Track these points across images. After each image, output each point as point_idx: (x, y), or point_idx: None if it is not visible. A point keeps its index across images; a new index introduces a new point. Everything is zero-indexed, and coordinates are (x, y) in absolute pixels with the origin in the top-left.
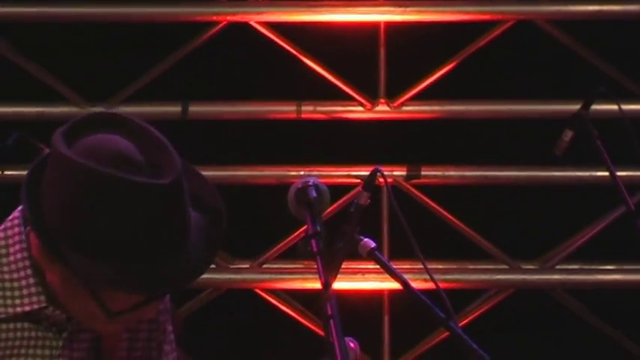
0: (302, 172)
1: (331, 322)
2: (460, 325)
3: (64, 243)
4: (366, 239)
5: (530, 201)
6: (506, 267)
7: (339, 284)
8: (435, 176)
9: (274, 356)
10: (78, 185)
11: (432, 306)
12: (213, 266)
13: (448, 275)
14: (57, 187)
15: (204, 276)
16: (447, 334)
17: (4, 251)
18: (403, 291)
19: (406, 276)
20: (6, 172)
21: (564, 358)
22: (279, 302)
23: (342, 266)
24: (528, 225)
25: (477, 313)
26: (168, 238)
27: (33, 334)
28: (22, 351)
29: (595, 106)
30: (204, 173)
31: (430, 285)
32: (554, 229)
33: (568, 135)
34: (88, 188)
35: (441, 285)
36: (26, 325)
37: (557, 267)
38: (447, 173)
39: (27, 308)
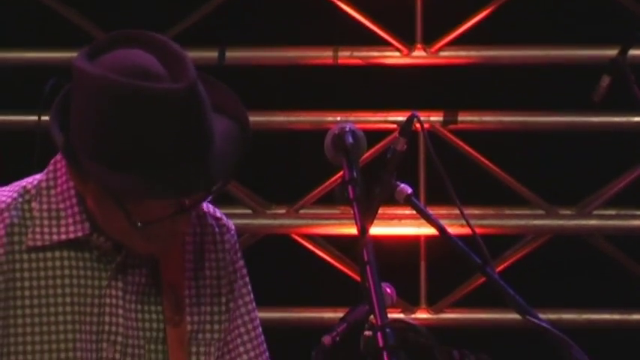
0: (338, 118)
1: (367, 267)
2: (497, 270)
3: (85, 155)
4: (402, 185)
5: (568, 147)
6: (543, 213)
7: (376, 230)
8: (472, 122)
9: (311, 302)
10: (97, 96)
11: (468, 252)
12: (249, 212)
13: (485, 221)
14: (78, 102)
15: (241, 221)
16: (483, 279)
17: (52, 183)
18: (439, 237)
19: (443, 221)
20: (43, 118)
21: (601, 304)
22: (315, 248)
23: (379, 212)
24: (565, 171)
25: (513, 259)
26: (190, 142)
27: (81, 263)
28: (72, 281)
29: (633, 52)
30: None
31: (467, 231)
32: (591, 175)
33: (605, 81)
34: (106, 98)
35: (478, 230)
36: (73, 254)
37: (594, 213)
38: (483, 119)
39: (72, 235)
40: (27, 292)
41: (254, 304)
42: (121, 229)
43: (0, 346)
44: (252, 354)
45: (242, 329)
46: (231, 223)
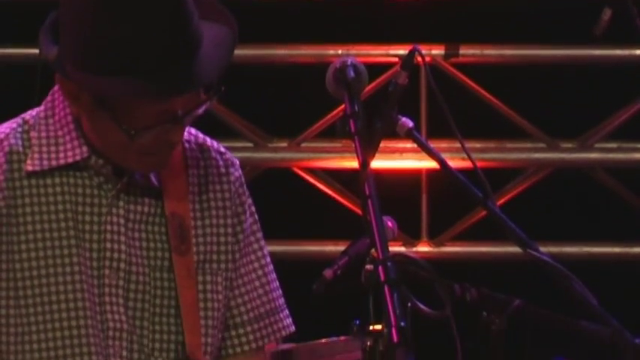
0: (340, 52)
1: (369, 201)
2: (498, 204)
3: (74, 65)
4: (404, 118)
5: (569, 80)
6: (544, 146)
7: (377, 163)
8: (474, 55)
9: (312, 235)
10: (81, 2)
11: (469, 185)
12: (251, 145)
13: (486, 154)
14: (64, 13)
15: (243, 155)
16: (484, 213)
17: (50, 112)
18: (441, 170)
19: (444, 155)
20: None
21: (602, 237)
22: (317, 181)
23: (380, 145)
24: (567, 104)
25: (514, 193)
26: (177, 44)
27: (80, 190)
28: (72, 207)
29: None
30: (243, 51)
31: (468, 164)
32: (592, 108)
33: (607, 14)
34: (90, 3)
35: (479, 164)
36: (72, 180)
37: (596, 146)
38: (485, 52)
39: (70, 160)
40: (28, 218)
41: (264, 241)
42: (116, 144)
43: (6, 271)
44: (267, 287)
45: (256, 264)
46: (235, 159)
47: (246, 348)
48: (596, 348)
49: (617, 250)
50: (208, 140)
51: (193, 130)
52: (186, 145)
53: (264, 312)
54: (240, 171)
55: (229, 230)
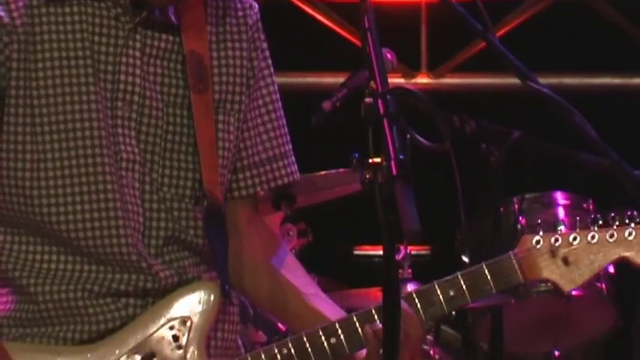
0: None
1: (368, 33)
2: (497, 35)
3: None
4: None
5: None
6: None
7: None
8: None
9: (311, 67)
10: None
11: (468, 17)
12: None
13: None
14: None
15: None
16: (484, 45)
17: None
18: (440, 1)
19: None
20: None
21: (602, 68)
22: (316, 12)
23: None
24: None
25: (514, 24)
26: None
27: (98, 20)
28: (90, 37)
29: None
30: None
31: None
32: None
33: None
34: None
35: None
36: (91, 10)
37: None
38: None
39: None
40: (46, 46)
41: (276, 85)
42: None
43: (23, 98)
44: (271, 134)
45: (263, 110)
46: (254, 3)
47: (243, 193)
48: (595, 179)
49: (617, 81)
50: None
51: None
52: None
53: (265, 158)
54: (258, 15)
55: (244, 72)
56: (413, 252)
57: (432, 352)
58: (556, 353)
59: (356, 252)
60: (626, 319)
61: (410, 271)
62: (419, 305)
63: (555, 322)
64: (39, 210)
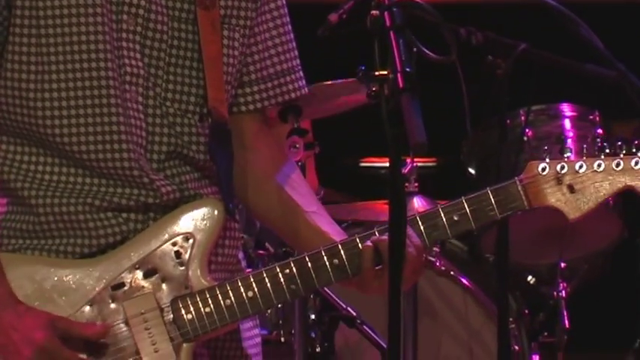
0: None
1: None
2: None
3: None
4: None
5: None
6: None
7: None
8: None
9: None
10: None
11: None
12: None
13: None
14: None
15: None
16: None
17: None
18: None
19: None
20: None
21: None
22: None
23: None
24: None
25: None
26: None
27: None
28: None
29: None
30: None
31: None
32: None
33: None
34: None
35: None
36: None
37: None
38: None
39: None
40: None
41: (285, 8)
42: None
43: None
44: (279, 49)
45: (270, 24)
46: None
47: (251, 107)
48: (601, 91)
49: None
50: None
51: None
52: None
53: (273, 72)
54: None
55: None
56: (419, 164)
57: (437, 263)
58: (562, 264)
59: (362, 164)
60: (631, 230)
61: (416, 184)
62: (422, 228)
63: (561, 233)
64: (42, 122)
